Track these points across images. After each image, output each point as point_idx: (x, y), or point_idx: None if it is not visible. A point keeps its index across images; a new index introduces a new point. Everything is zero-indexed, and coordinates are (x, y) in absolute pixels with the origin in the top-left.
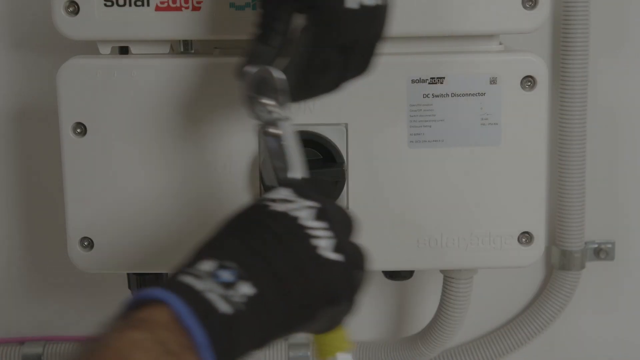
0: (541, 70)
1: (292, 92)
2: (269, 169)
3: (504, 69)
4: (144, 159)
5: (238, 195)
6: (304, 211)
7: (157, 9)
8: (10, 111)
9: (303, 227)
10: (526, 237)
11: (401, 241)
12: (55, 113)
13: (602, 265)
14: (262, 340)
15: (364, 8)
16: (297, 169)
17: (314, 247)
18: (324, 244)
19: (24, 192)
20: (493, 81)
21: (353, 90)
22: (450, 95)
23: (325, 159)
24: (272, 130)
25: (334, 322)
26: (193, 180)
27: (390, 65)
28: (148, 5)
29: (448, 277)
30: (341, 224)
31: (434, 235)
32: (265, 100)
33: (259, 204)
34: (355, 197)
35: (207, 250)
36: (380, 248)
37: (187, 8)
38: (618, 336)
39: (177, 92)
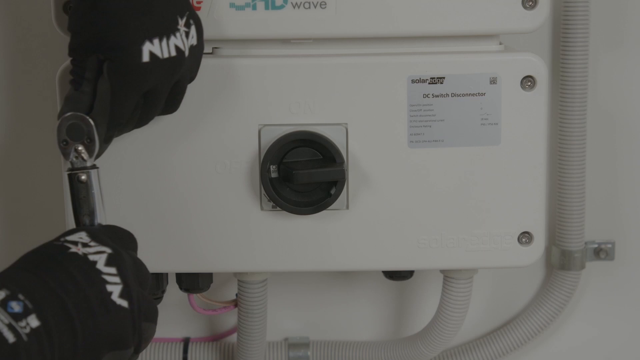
0: (541, 70)
1: (106, 135)
2: (72, 213)
3: (504, 69)
4: (144, 159)
5: (238, 195)
6: (99, 256)
7: None
8: (10, 111)
9: (98, 272)
10: (526, 237)
11: (401, 241)
12: (54, 113)
13: (602, 265)
14: None
15: (157, 60)
16: (98, 215)
17: (107, 293)
18: (114, 290)
19: (24, 192)
20: (493, 81)
21: (353, 90)
22: (450, 95)
23: (325, 159)
24: (79, 176)
25: None
26: (193, 180)
27: (390, 65)
28: None
29: (448, 277)
30: (133, 273)
31: (434, 235)
32: (76, 147)
33: (57, 244)
34: (355, 197)
35: (1, 280)
36: (380, 248)
37: None
38: (618, 336)
39: None
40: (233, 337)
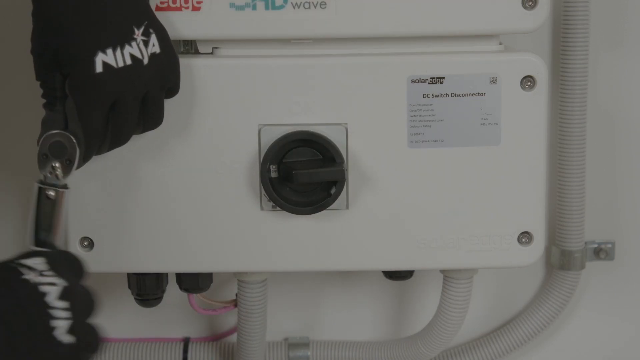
0: (541, 70)
1: (85, 153)
2: (31, 225)
3: (504, 69)
4: (144, 159)
5: (238, 195)
6: (51, 287)
7: (157, 9)
8: (10, 111)
9: (47, 306)
10: (526, 237)
11: (401, 241)
12: None
13: (602, 265)
14: None
15: (112, 70)
16: (57, 237)
17: (52, 328)
18: (61, 325)
19: (24, 192)
20: (493, 81)
21: (353, 90)
22: (450, 95)
23: (325, 159)
24: (48, 191)
25: None
26: (193, 180)
27: (390, 65)
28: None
29: (448, 277)
30: (82, 304)
31: (434, 235)
32: (54, 164)
33: (12, 266)
34: (355, 197)
35: None
36: (380, 248)
37: (187, 8)
38: (618, 336)
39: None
40: (233, 337)
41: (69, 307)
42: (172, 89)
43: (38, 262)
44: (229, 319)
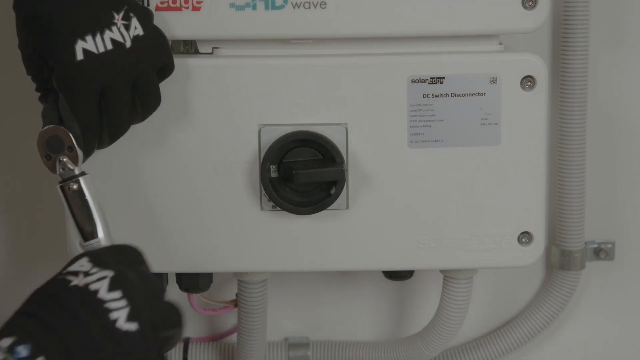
0: (541, 70)
1: (85, 147)
2: (73, 226)
3: (504, 69)
4: (144, 159)
5: (238, 195)
6: (100, 283)
7: (157, 9)
8: (10, 111)
9: (101, 302)
10: (526, 237)
11: (401, 241)
12: None
13: (602, 265)
14: None
15: (93, 56)
16: (98, 221)
17: (113, 321)
18: (121, 315)
19: (24, 192)
20: (493, 81)
21: (353, 90)
22: (450, 95)
23: (325, 159)
24: (70, 185)
25: None
26: (193, 180)
27: (390, 65)
28: (148, 5)
29: (448, 277)
30: (139, 287)
31: (434, 235)
32: (60, 158)
33: (59, 279)
34: (355, 197)
35: (8, 327)
36: (380, 248)
37: (187, 8)
38: (618, 336)
39: (177, 92)
40: (233, 337)
41: (123, 294)
42: (165, 68)
43: (82, 264)
44: (229, 319)
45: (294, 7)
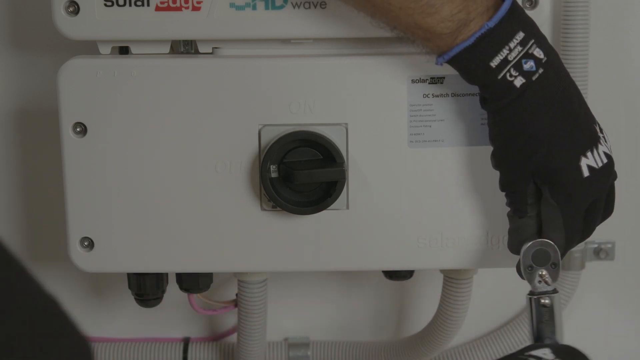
0: None
1: (563, 252)
2: (534, 334)
3: None
4: (144, 159)
5: (238, 195)
6: None
7: (157, 9)
8: (10, 111)
9: None
10: None
11: (401, 241)
12: (55, 113)
13: (602, 265)
14: None
15: (595, 172)
16: (559, 335)
17: None
18: None
19: (24, 192)
20: None
21: (353, 90)
22: (450, 95)
23: (325, 159)
24: (543, 300)
25: None
26: (193, 180)
27: (390, 65)
28: (148, 5)
29: (448, 277)
30: None
31: (434, 235)
32: (541, 272)
33: (522, 357)
34: (355, 197)
35: None
36: (380, 248)
37: (187, 8)
38: (618, 336)
39: (177, 92)
40: (233, 337)
41: None
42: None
43: (546, 352)
44: (229, 319)
45: (294, 7)
